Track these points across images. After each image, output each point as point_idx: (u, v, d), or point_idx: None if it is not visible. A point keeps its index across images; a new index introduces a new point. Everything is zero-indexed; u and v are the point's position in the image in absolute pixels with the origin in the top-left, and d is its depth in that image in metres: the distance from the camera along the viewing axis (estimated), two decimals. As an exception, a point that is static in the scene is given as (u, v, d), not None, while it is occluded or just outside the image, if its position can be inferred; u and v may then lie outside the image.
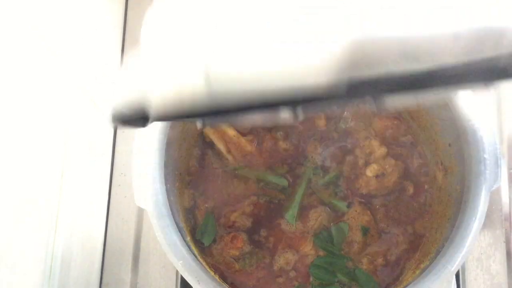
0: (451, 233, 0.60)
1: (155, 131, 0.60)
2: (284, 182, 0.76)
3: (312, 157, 0.78)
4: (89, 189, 0.80)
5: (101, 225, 0.85)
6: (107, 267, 0.84)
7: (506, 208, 0.84)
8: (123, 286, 0.83)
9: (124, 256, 0.84)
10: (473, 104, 0.60)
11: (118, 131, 0.89)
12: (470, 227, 0.58)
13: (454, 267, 0.57)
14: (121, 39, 0.93)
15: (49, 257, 0.67)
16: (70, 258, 0.72)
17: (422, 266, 0.66)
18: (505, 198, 0.85)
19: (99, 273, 0.83)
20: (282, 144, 0.78)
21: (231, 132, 0.77)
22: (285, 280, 0.73)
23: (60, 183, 0.69)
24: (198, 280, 0.56)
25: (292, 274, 0.74)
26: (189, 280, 0.56)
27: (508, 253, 0.83)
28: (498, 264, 0.82)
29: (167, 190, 0.60)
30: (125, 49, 0.93)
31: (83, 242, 0.77)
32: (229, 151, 0.77)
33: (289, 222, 0.75)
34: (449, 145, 0.66)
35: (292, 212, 0.75)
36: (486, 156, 0.59)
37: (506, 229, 0.84)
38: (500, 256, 0.83)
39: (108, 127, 0.87)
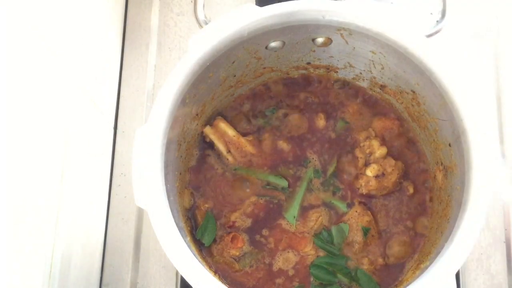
0: (451, 233, 0.60)
1: (155, 131, 0.60)
2: (284, 183, 0.76)
3: (312, 158, 0.78)
4: (89, 189, 0.80)
5: (101, 225, 0.85)
6: (107, 267, 0.84)
7: (506, 208, 0.84)
8: (123, 286, 0.83)
9: (124, 256, 0.84)
10: (473, 104, 0.60)
11: (118, 131, 0.89)
12: (470, 227, 0.58)
13: (454, 267, 0.57)
14: (121, 39, 0.93)
15: (49, 257, 0.67)
16: (70, 258, 0.72)
17: (422, 266, 0.66)
18: (505, 198, 0.85)
19: (99, 273, 0.83)
20: (282, 144, 0.78)
21: (231, 132, 0.77)
22: (284, 280, 0.73)
23: (60, 183, 0.69)
24: (198, 280, 0.56)
25: (292, 274, 0.74)
26: (189, 280, 0.56)
27: (508, 253, 0.83)
28: (498, 264, 0.82)
29: (167, 190, 0.60)
30: (125, 49, 0.93)
31: (83, 242, 0.77)
32: (229, 151, 0.77)
33: (289, 222, 0.75)
34: (449, 145, 0.66)
35: (292, 212, 0.75)
36: (486, 156, 0.59)
37: (506, 229, 0.84)
38: (500, 256, 0.83)
39: (108, 127, 0.88)
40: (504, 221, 0.84)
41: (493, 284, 0.82)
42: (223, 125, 0.77)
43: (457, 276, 0.81)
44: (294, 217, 0.75)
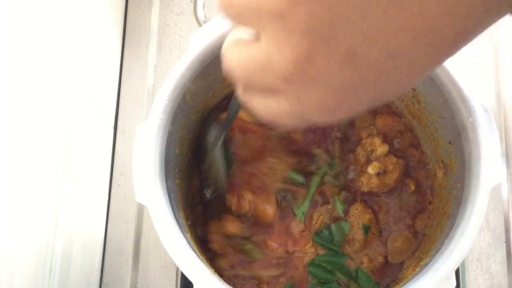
0: (451, 230, 0.59)
1: (156, 127, 0.60)
2: (300, 179, 0.76)
3: (319, 153, 0.77)
4: (89, 189, 0.80)
5: (101, 225, 0.85)
6: (107, 267, 0.84)
7: (506, 207, 0.84)
8: (123, 286, 0.83)
9: (124, 256, 0.84)
10: (473, 102, 0.60)
11: (118, 131, 0.89)
12: (470, 225, 0.58)
13: (453, 264, 0.57)
14: (121, 39, 0.93)
15: (49, 257, 0.67)
16: (70, 258, 0.72)
17: (422, 263, 0.66)
18: (505, 197, 0.85)
19: (99, 273, 0.83)
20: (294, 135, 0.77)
21: (247, 118, 0.76)
22: (281, 276, 0.73)
23: (60, 183, 0.69)
24: (197, 276, 0.56)
25: (290, 271, 0.73)
26: (189, 276, 0.56)
27: (508, 253, 0.83)
28: (498, 264, 0.82)
29: (167, 187, 0.60)
30: (125, 49, 0.93)
31: (83, 242, 0.77)
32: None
33: (299, 219, 0.74)
34: (450, 142, 0.66)
35: (302, 208, 0.74)
36: (486, 153, 0.59)
37: (506, 229, 0.84)
38: (500, 256, 0.83)
39: (108, 127, 0.88)
40: (504, 221, 0.84)
41: (493, 284, 0.82)
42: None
43: (457, 276, 0.81)
44: (303, 213, 0.74)
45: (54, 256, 0.68)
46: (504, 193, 0.85)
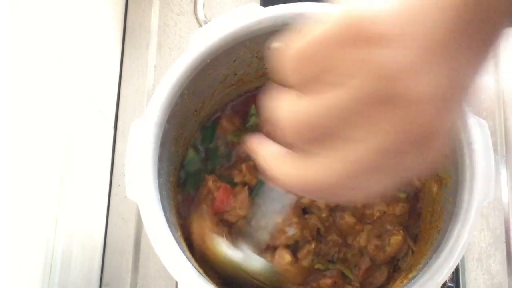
0: (440, 245, 0.59)
1: (151, 124, 0.59)
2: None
3: None
4: (89, 189, 0.80)
5: (101, 225, 0.85)
6: (107, 267, 0.84)
7: (506, 208, 0.84)
8: (123, 286, 0.83)
9: (124, 256, 0.84)
10: (470, 117, 0.59)
11: (118, 131, 0.89)
12: (458, 241, 0.57)
13: (439, 279, 0.56)
14: (121, 39, 0.93)
15: (49, 257, 0.67)
16: (70, 258, 0.72)
17: (410, 276, 0.65)
18: (505, 199, 0.85)
19: (99, 273, 0.83)
20: None
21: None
22: None
23: (60, 183, 0.69)
24: (183, 277, 0.55)
25: None
26: (174, 275, 0.55)
27: (508, 253, 0.83)
28: (498, 264, 0.82)
29: (159, 184, 0.59)
30: (125, 49, 0.93)
31: (83, 242, 0.77)
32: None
33: None
34: (445, 156, 0.65)
35: None
36: (480, 170, 0.58)
37: (506, 229, 0.84)
38: (500, 256, 0.83)
39: (108, 127, 0.88)
40: (504, 221, 0.84)
41: (493, 284, 0.82)
42: None
43: (457, 276, 0.81)
44: None
45: (54, 256, 0.68)
46: (504, 193, 0.85)
